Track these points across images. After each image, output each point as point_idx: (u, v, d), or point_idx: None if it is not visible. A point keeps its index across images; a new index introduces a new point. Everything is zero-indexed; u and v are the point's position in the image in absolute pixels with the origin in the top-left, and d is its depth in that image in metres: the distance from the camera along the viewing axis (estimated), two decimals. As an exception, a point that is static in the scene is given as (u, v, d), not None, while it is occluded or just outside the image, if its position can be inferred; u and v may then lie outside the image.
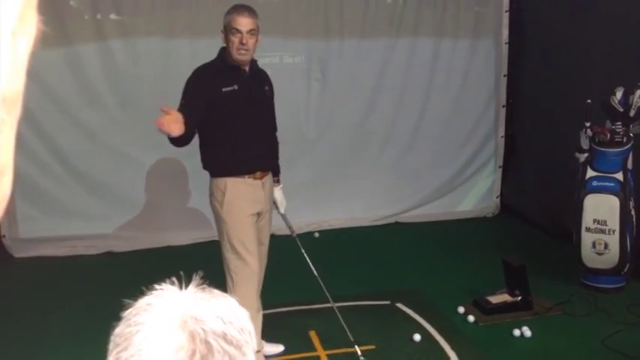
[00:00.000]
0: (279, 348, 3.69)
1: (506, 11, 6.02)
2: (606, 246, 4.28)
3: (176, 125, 2.89)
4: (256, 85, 3.35)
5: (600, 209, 4.29)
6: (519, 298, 4.07)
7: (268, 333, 3.54)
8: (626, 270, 4.32)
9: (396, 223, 6.04)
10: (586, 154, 4.40)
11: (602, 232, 4.28)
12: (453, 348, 3.66)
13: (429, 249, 5.37)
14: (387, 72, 5.87)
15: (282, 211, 3.63)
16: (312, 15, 5.67)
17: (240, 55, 3.19)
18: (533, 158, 5.95)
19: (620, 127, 4.28)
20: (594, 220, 4.31)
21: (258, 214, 3.36)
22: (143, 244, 5.34)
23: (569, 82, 5.18)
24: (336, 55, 5.77)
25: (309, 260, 3.61)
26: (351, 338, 3.51)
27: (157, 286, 0.84)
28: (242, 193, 3.26)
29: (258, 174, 3.33)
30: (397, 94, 5.92)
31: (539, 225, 5.68)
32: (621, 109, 4.28)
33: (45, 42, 0.50)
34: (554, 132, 5.42)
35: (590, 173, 4.34)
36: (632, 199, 4.30)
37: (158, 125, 2.83)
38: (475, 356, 3.64)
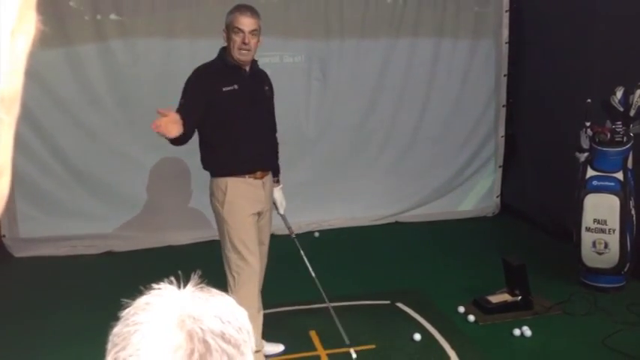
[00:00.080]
0: (279, 348, 3.69)
1: (506, 11, 6.02)
2: (606, 245, 4.28)
3: (174, 126, 2.88)
4: (256, 85, 3.35)
5: (600, 209, 4.29)
6: (519, 297, 4.07)
7: (268, 333, 3.54)
8: (626, 269, 4.32)
9: (396, 223, 6.04)
10: (586, 154, 4.40)
11: (603, 231, 4.28)
12: (453, 347, 3.66)
13: (429, 249, 5.37)
14: (387, 72, 5.87)
15: (281, 211, 3.63)
16: (312, 15, 5.67)
17: (241, 55, 3.20)
18: (533, 158, 5.94)
19: (620, 126, 4.28)
20: (594, 220, 4.31)
21: (259, 214, 3.36)
22: (143, 244, 5.34)
23: (569, 82, 5.17)
24: (336, 55, 5.76)
25: (307, 261, 3.61)
26: (346, 340, 3.50)
27: (155, 286, 0.84)
28: (243, 193, 3.27)
29: (258, 173, 3.33)
30: (397, 94, 5.92)
31: (539, 225, 5.68)
32: (621, 109, 4.29)
33: (45, 42, 0.50)
34: (554, 132, 5.42)
35: (591, 173, 4.34)
36: (632, 198, 4.30)
37: (154, 128, 2.83)
38: (475, 356, 3.63)
